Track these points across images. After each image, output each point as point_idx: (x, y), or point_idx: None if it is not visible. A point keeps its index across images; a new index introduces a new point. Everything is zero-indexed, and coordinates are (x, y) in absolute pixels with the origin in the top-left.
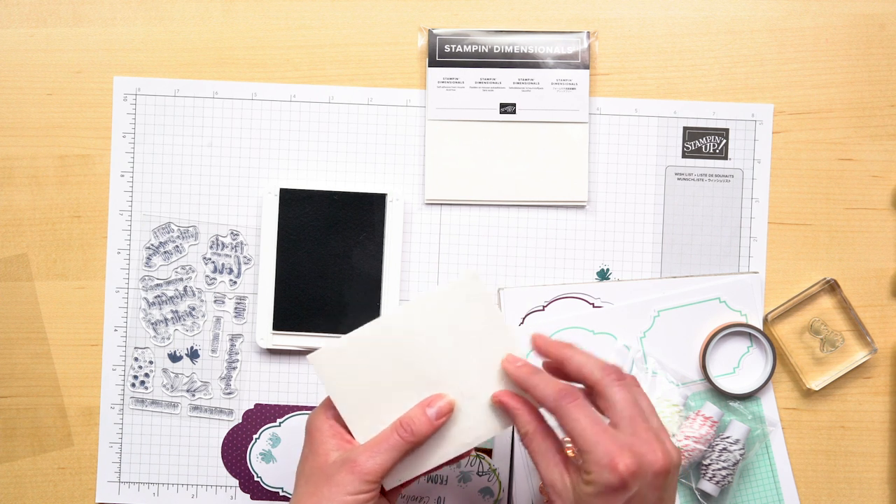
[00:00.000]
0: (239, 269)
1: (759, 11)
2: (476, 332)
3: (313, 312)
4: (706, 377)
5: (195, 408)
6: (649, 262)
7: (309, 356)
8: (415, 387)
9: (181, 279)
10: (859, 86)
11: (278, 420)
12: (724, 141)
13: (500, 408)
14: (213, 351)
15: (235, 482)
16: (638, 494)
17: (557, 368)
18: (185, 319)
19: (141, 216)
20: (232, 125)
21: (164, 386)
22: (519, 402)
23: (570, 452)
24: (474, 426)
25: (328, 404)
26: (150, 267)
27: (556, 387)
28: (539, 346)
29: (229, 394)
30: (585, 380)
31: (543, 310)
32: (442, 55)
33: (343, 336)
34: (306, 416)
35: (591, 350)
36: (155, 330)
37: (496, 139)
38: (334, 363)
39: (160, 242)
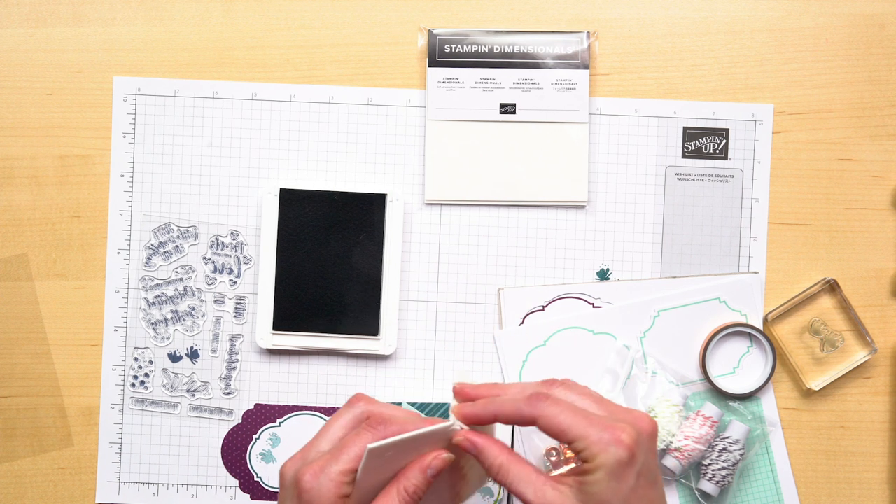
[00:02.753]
0: (239, 269)
1: (759, 11)
2: None
3: (313, 312)
4: (706, 377)
5: (195, 408)
6: (649, 262)
7: (376, 446)
8: None
9: (181, 279)
10: (859, 86)
11: (278, 420)
12: (724, 141)
13: (465, 447)
14: (213, 351)
15: (235, 482)
16: (644, 464)
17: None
18: (185, 319)
19: (141, 216)
20: (232, 125)
21: (164, 386)
22: (482, 437)
23: (568, 452)
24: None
25: (322, 466)
26: (150, 267)
27: (523, 394)
28: (461, 418)
29: (229, 394)
30: (523, 419)
31: (543, 310)
32: (442, 55)
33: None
34: (306, 417)
35: (591, 350)
36: (155, 330)
37: (496, 139)
38: (383, 454)
39: (160, 242)
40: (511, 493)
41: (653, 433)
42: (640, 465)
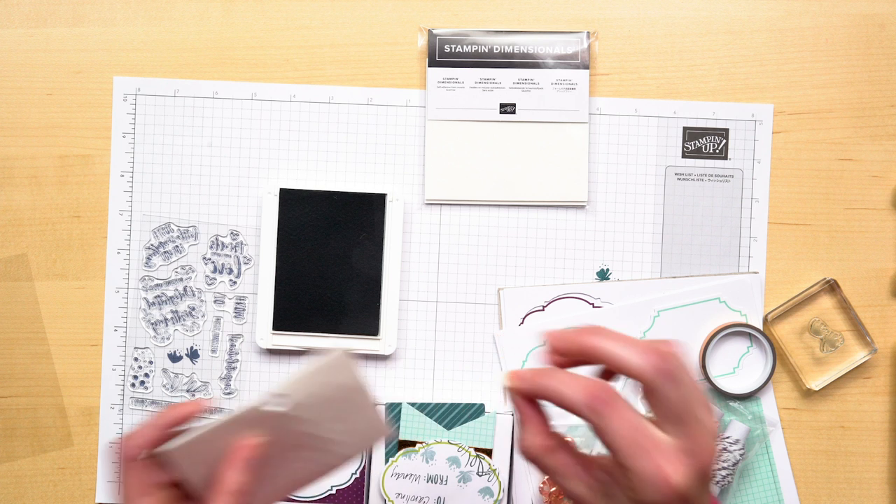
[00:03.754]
0: (239, 269)
1: (759, 11)
2: (343, 411)
3: (313, 312)
4: (706, 377)
5: None
6: (649, 262)
7: (168, 449)
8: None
9: (181, 279)
10: (859, 86)
11: None
12: (724, 141)
13: (516, 407)
14: (212, 351)
15: None
16: (696, 500)
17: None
18: (184, 319)
19: (141, 216)
20: (232, 125)
21: (164, 386)
22: (526, 410)
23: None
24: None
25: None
26: (149, 267)
27: (585, 389)
28: (557, 345)
29: (229, 394)
30: (630, 376)
31: (543, 310)
32: (442, 55)
33: (202, 425)
34: None
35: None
36: (155, 330)
37: (496, 139)
38: (196, 451)
39: (160, 242)
40: (548, 472)
41: (711, 464)
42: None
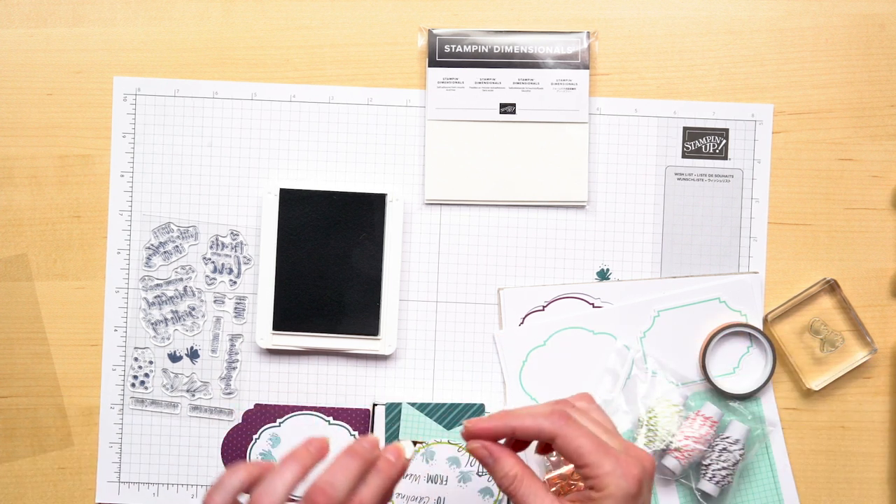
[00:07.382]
0: (239, 269)
1: (759, 11)
2: None
3: (313, 312)
4: (706, 377)
5: (195, 408)
6: (649, 262)
7: None
8: None
9: (181, 279)
10: (859, 86)
11: (278, 420)
12: (724, 141)
13: (480, 455)
14: (213, 351)
15: None
16: (644, 500)
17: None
18: (184, 319)
19: (141, 216)
20: (232, 125)
21: (163, 386)
22: (499, 447)
23: (567, 471)
24: None
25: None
26: (150, 267)
27: (547, 411)
28: (475, 430)
29: (229, 394)
30: (542, 434)
31: (543, 310)
32: (442, 55)
33: None
34: (306, 417)
35: (591, 350)
36: (155, 330)
37: (496, 139)
38: None
39: (160, 242)
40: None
41: (653, 471)
42: (642, 500)
